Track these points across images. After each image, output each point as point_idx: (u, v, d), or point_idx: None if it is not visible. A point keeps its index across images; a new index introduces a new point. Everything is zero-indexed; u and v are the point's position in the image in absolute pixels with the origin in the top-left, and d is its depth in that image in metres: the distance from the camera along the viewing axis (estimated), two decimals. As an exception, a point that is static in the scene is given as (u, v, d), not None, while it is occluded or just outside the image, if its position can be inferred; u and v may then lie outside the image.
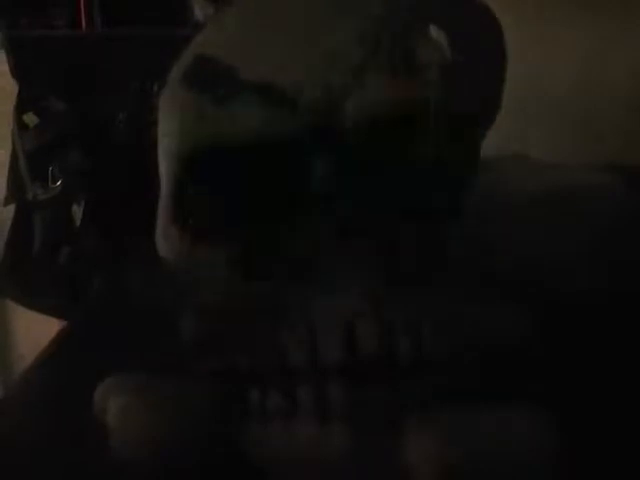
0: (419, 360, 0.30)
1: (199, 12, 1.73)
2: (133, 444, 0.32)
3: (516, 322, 0.35)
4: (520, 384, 0.31)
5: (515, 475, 0.28)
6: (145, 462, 0.32)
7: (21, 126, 1.75)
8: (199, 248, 0.33)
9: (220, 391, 0.33)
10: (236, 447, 0.32)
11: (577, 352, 0.38)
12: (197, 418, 0.32)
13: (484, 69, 0.31)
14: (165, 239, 0.35)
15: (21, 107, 1.77)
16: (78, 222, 1.77)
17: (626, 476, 0.32)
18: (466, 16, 0.32)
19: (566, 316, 0.39)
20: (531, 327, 0.35)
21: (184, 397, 0.33)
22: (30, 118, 1.76)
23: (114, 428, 0.32)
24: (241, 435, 0.32)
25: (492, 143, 0.41)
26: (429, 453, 0.28)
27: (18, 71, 1.78)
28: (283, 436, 0.32)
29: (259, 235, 0.32)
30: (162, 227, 0.35)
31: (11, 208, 1.86)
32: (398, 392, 0.30)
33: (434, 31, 0.33)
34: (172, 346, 0.34)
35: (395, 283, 0.31)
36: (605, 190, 0.47)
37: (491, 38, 0.31)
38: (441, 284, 0.32)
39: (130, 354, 0.40)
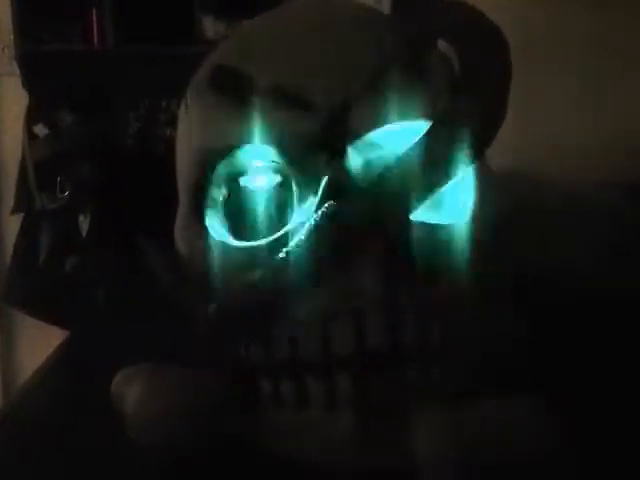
0: (424, 352, 0.32)
1: (210, 30, 1.76)
2: (149, 430, 0.34)
3: (520, 321, 0.37)
4: (522, 376, 0.33)
5: (515, 456, 0.30)
6: (159, 448, 0.34)
7: (31, 137, 1.78)
8: (216, 245, 0.35)
9: (233, 380, 0.34)
10: (246, 434, 0.34)
11: (576, 345, 0.40)
12: (209, 405, 0.34)
13: (490, 84, 0.33)
14: (182, 238, 0.37)
15: (31, 118, 1.80)
16: (84, 232, 1.79)
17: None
18: (476, 33, 0.34)
19: (571, 314, 0.42)
20: (533, 325, 0.37)
21: (198, 385, 0.34)
22: (39, 129, 1.79)
23: (131, 415, 0.34)
24: (252, 422, 0.34)
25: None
26: (431, 437, 0.30)
27: (29, 83, 1.81)
28: (293, 424, 0.33)
29: (273, 232, 0.34)
30: (180, 226, 0.37)
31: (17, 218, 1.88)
32: (403, 382, 0.32)
33: (443, 45, 0.35)
34: (187, 337, 0.36)
35: (404, 279, 0.32)
36: (606, 200, 0.50)
37: (498, 55, 0.33)
38: (450, 283, 0.34)
39: (142, 348, 0.41)
